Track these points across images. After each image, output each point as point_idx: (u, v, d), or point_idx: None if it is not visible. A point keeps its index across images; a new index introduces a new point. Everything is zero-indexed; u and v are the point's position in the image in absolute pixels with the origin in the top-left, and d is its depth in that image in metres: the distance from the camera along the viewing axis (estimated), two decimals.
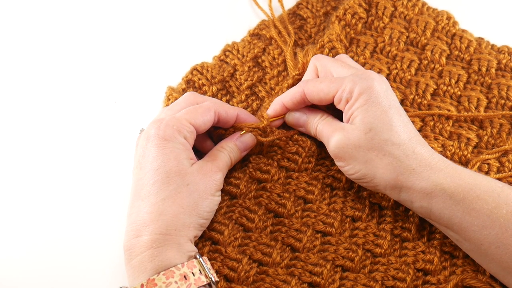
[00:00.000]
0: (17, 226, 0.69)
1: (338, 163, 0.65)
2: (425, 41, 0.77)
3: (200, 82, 0.75)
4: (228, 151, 0.66)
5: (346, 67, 0.67)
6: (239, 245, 0.66)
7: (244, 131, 0.68)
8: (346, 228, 0.67)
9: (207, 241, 0.65)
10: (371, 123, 0.62)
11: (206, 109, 0.65)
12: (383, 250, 0.66)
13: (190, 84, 0.76)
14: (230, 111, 0.68)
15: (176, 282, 0.57)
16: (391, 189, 0.63)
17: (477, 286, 0.63)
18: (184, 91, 0.75)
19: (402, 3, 0.79)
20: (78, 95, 0.78)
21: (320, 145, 0.70)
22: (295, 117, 0.70)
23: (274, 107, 0.70)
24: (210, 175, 0.63)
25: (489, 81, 0.75)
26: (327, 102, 0.66)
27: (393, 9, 0.79)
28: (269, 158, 0.69)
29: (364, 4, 0.79)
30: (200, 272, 0.59)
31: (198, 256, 0.60)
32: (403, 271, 0.64)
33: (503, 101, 0.73)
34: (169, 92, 0.74)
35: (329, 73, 0.68)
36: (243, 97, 0.75)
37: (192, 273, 0.58)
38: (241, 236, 0.66)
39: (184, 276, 0.57)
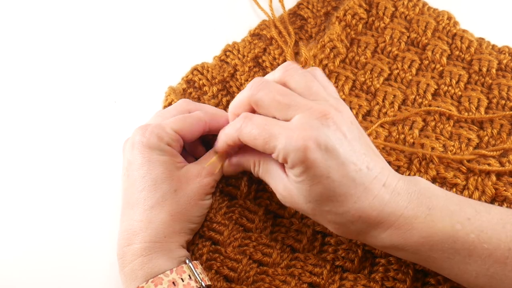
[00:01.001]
0: (13, 227, 0.69)
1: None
2: (426, 41, 0.77)
3: (201, 82, 0.75)
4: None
5: (303, 99, 0.57)
6: (239, 245, 0.66)
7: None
8: None
9: (207, 241, 0.65)
10: (309, 196, 0.56)
11: (196, 120, 0.64)
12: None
13: (190, 84, 0.76)
14: (222, 121, 0.65)
15: None
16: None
17: None
18: (184, 91, 0.75)
19: (403, 3, 0.79)
20: (78, 95, 0.78)
21: None
22: (231, 171, 0.65)
23: (222, 146, 0.63)
24: (198, 180, 0.63)
25: (490, 81, 0.75)
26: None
27: (393, 9, 0.79)
28: None
29: (364, 5, 0.79)
30: (190, 277, 0.58)
31: (187, 261, 0.59)
32: (403, 272, 0.64)
33: (503, 102, 0.73)
34: (168, 92, 0.74)
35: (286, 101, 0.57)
36: None
37: (181, 278, 0.58)
38: (241, 237, 0.66)
39: (173, 282, 0.57)
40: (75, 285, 0.66)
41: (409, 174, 0.69)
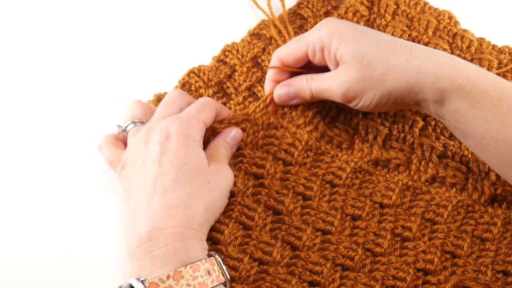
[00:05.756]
0: (15, 226, 0.69)
1: (352, 104, 0.66)
2: (427, 39, 0.77)
3: (197, 84, 0.75)
4: (223, 149, 0.67)
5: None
6: (240, 244, 0.65)
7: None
8: (346, 227, 0.67)
9: (207, 241, 0.65)
10: (359, 51, 0.63)
11: (211, 106, 0.68)
12: (384, 250, 0.65)
13: (186, 86, 0.76)
14: (223, 106, 0.71)
15: (202, 276, 0.58)
16: (408, 95, 0.63)
17: None
18: None
19: (405, 1, 0.79)
20: (78, 95, 0.78)
21: (318, 140, 0.70)
22: (282, 93, 0.70)
23: (269, 85, 0.72)
24: (225, 173, 0.65)
25: None
26: (304, 61, 0.69)
27: (395, 7, 0.79)
28: (264, 151, 0.69)
29: (366, 2, 0.79)
30: (218, 270, 0.60)
31: (215, 254, 0.61)
32: (403, 271, 0.64)
33: None
34: (153, 100, 0.75)
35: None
36: (241, 99, 0.75)
37: (213, 269, 0.59)
38: (241, 235, 0.66)
39: (208, 272, 0.58)
40: (75, 282, 0.66)
41: (408, 174, 0.69)
